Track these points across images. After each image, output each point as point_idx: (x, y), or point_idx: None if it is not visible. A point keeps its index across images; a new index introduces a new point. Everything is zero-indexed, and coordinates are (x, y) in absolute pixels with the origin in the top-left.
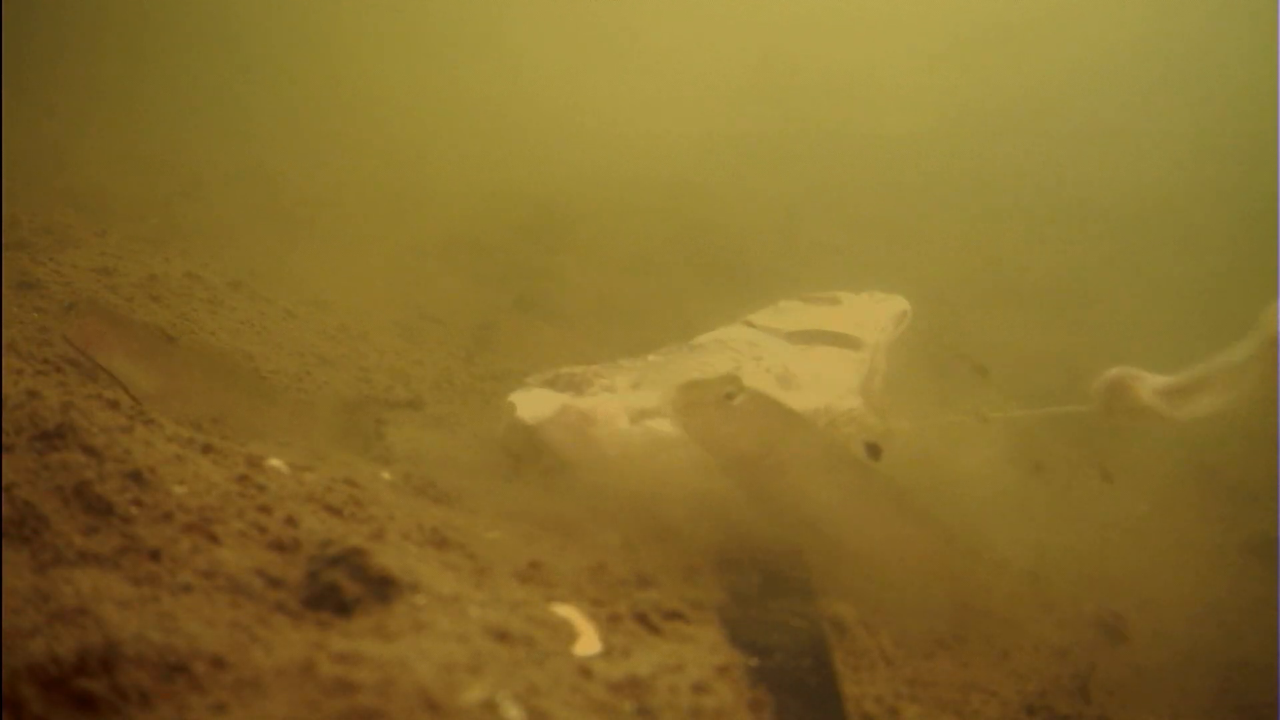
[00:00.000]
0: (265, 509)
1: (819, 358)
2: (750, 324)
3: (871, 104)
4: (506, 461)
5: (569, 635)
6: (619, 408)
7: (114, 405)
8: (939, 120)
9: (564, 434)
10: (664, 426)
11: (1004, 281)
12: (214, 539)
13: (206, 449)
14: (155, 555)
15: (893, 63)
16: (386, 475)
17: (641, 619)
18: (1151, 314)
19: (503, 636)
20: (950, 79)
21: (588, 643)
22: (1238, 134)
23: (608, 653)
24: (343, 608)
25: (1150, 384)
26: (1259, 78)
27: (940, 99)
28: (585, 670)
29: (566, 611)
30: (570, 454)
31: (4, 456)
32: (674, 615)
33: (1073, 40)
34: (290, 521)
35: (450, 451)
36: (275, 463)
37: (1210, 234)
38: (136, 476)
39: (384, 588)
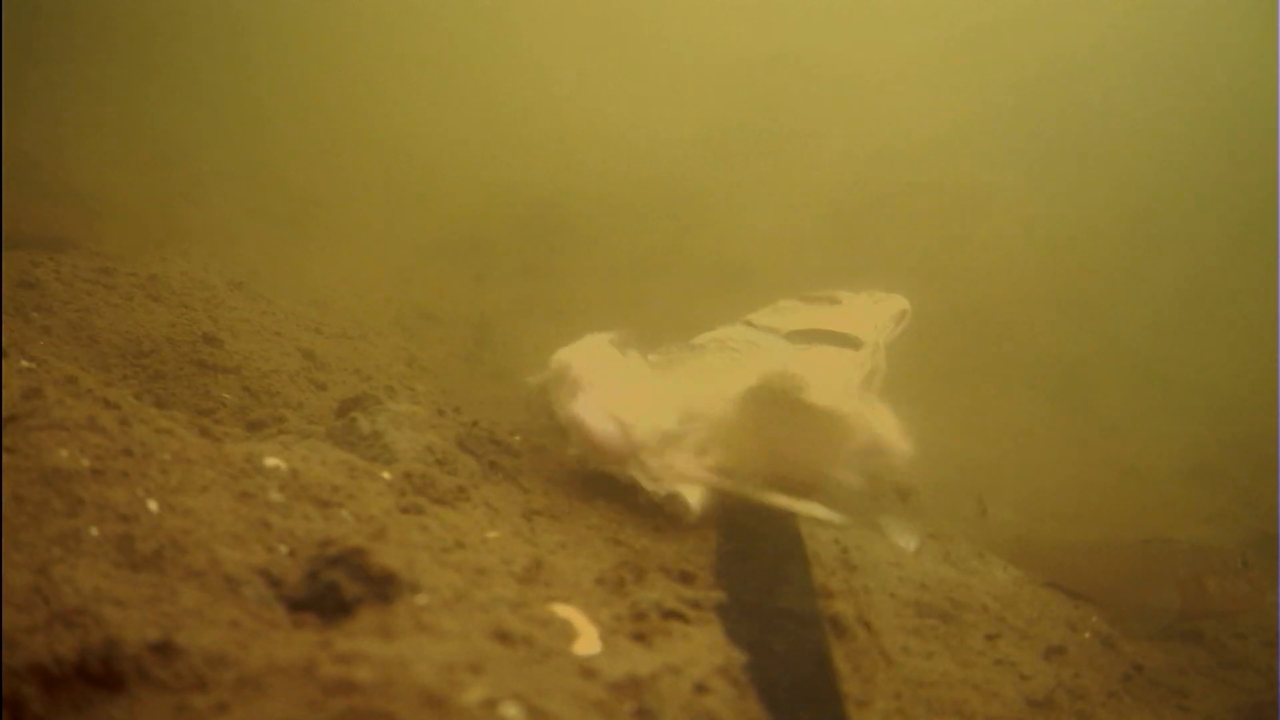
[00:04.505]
0: (264, 508)
1: (819, 357)
2: (750, 323)
3: (880, 105)
4: (506, 459)
5: (569, 635)
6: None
7: (106, 402)
8: (947, 120)
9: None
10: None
11: (1005, 280)
12: (213, 538)
13: (204, 444)
14: (155, 554)
15: (903, 63)
16: (386, 475)
17: (641, 618)
18: (1150, 312)
19: (503, 636)
20: (961, 79)
21: (588, 642)
22: (1237, 133)
23: (608, 653)
24: (343, 607)
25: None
26: (1259, 75)
27: (950, 99)
28: (585, 670)
29: (566, 611)
30: (603, 446)
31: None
32: (673, 615)
33: (1081, 36)
34: (289, 521)
35: (450, 451)
36: (274, 461)
37: (1210, 232)
38: (131, 475)
39: (384, 587)
